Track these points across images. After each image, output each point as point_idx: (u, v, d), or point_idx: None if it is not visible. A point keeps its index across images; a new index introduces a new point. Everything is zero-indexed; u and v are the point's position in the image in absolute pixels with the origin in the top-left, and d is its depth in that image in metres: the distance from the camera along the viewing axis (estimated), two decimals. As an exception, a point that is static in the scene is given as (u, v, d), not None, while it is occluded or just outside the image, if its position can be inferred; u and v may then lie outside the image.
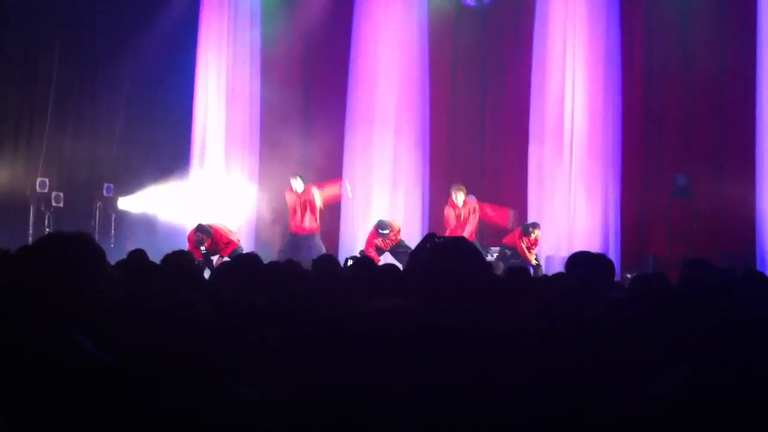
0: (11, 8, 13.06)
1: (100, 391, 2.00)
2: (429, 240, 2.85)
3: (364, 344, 2.01)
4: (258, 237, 13.71)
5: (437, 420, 1.94)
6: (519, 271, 5.27)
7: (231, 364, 2.41)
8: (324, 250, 11.04)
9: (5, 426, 1.85)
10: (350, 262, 8.44)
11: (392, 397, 1.95)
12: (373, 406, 1.93)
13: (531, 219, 12.53)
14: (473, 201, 12.10)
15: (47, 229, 12.85)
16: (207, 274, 8.19)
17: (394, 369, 1.98)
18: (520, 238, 11.65)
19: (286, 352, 2.70)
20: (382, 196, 12.65)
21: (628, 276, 9.53)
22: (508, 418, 2.03)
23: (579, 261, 4.45)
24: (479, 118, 14.11)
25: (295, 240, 12.17)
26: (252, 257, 5.15)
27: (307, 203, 12.20)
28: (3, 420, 1.86)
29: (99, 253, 2.38)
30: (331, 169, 13.56)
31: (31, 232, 12.82)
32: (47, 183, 13.04)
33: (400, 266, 6.27)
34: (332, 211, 13.37)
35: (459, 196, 11.95)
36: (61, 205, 13.18)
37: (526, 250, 11.50)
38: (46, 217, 12.99)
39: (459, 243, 2.99)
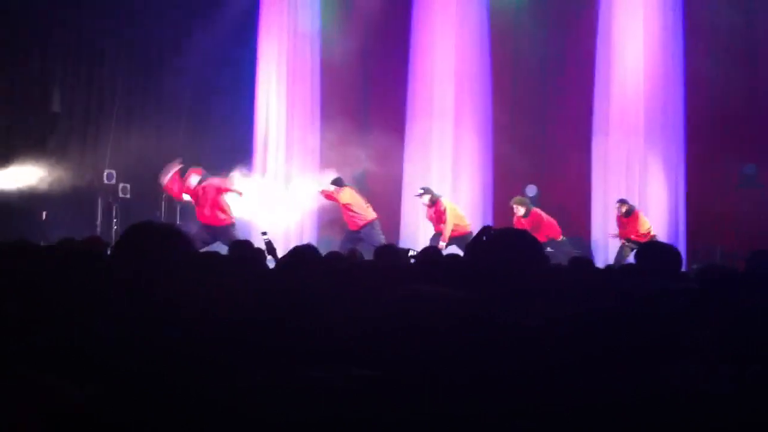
0: (78, 13, 13.37)
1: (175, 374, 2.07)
2: (485, 232, 2.81)
3: (410, 331, 2.01)
4: (320, 233, 13.77)
5: (486, 409, 1.93)
6: (583, 262, 5.19)
7: (297, 349, 2.45)
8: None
9: (96, 396, 1.90)
10: (412, 253, 8.40)
11: (435, 385, 1.95)
12: (419, 393, 1.94)
13: (595, 212, 12.31)
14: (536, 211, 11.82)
15: (115, 220, 13.15)
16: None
17: (441, 358, 1.98)
18: (628, 223, 11.41)
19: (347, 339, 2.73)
20: (443, 190, 12.56)
21: (694, 267, 9.31)
22: (557, 408, 2.00)
23: (648, 252, 4.40)
24: (541, 110, 13.91)
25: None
26: (311, 248, 5.19)
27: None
28: (93, 390, 1.91)
29: (189, 244, 2.48)
30: (390, 165, 13.54)
31: (99, 222, 13.13)
32: (114, 175, 13.32)
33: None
34: (392, 205, 13.37)
35: (519, 209, 11.74)
36: (128, 196, 13.46)
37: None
38: (114, 207, 13.28)
39: (514, 234, 2.94)
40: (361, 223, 11.62)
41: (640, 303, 2.80)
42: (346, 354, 2.38)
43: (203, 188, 11.29)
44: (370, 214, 11.71)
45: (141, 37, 14.05)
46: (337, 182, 11.93)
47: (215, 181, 11.45)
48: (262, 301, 2.60)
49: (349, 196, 11.77)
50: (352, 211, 11.69)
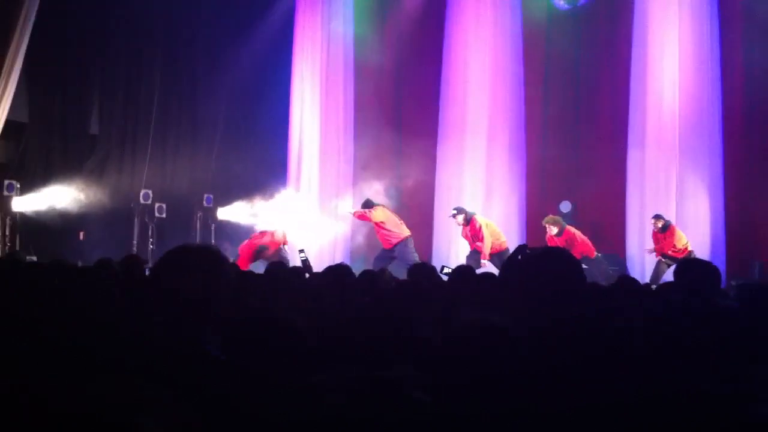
0: (117, 30, 13.59)
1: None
2: (521, 251, 2.80)
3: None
4: (352, 249, 13.80)
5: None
6: (627, 280, 5.13)
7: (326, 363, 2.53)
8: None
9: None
10: (446, 270, 8.37)
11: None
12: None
13: (630, 228, 12.18)
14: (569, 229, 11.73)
15: (151, 239, 13.28)
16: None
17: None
18: (665, 238, 11.33)
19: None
20: (476, 205, 12.51)
21: (733, 283, 9.16)
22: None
23: (687, 269, 4.37)
24: (575, 125, 13.84)
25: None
26: (344, 267, 5.26)
27: None
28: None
29: (226, 264, 2.56)
30: (423, 178, 13.54)
31: (135, 242, 13.28)
32: (150, 194, 13.48)
33: None
34: (425, 221, 13.36)
35: (552, 229, 11.61)
36: (164, 215, 13.60)
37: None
38: (150, 227, 13.42)
39: (553, 253, 2.91)
40: (395, 241, 11.60)
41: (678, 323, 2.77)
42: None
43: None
44: (404, 231, 11.69)
45: (177, 57, 14.25)
46: (368, 204, 11.94)
47: None
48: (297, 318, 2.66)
49: (381, 214, 11.77)
50: (385, 229, 11.68)
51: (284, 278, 5.67)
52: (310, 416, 2.06)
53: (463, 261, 10.91)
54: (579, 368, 2.12)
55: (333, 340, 2.84)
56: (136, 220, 13.44)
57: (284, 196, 13.63)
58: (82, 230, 12.97)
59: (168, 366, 2.11)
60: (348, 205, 13.00)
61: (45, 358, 2.42)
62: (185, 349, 2.24)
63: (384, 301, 3.97)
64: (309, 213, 13.48)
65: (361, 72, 14.33)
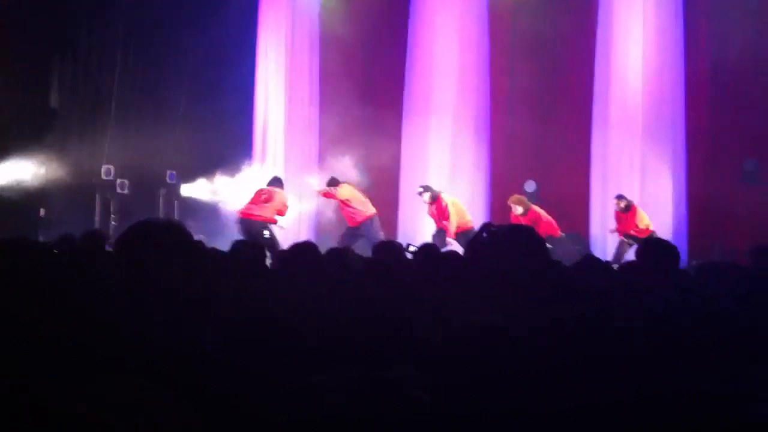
0: (76, 10, 13.33)
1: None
2: (485, 229, 2.79)
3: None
4: (318, 226, 13.76)
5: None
6: (591, 259, 5.17)
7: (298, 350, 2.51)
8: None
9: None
10: (411, 248, 8.37)
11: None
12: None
13: (594, 208, 12.28)
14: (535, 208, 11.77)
15: (112, 215, 13.12)
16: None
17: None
18: (627, 218, 11.41)
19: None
20: (441, 184, 12.53)
21: (694, 263, 9.30)
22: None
23: (647, 248, 4.43)
24: (540, 106, 13.87)
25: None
26: (310, 246, 5.12)
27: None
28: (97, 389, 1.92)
29: (191, 239, 2.49)
30: (389, 158, 13.52)
31: (97, 219, 13.11)
32: (112, 170, 13.29)
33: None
34: (390, 199, 13.35)
35: (516, 208, 11.64)
36: (126, 191, 13.43)
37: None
38: (112, 203, 13.25)
39: (518, 230, 2.92)
40: (360, 219, 11.58)
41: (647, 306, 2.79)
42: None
43: None
44: (369, 209, 11.67)
45: (140, 30, 14.01)
46: (333, 182, 11.90)
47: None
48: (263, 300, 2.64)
49: (347, 192, 11.74)
50: (350, 207, 11.65)
51: (253, 259, 5.50)
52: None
53: (428, 239, 10.93)
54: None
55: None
56: (97, 196, 13.26)
57: (249, 172, 13.54)
58: (42, 207, 12.77)
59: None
60: (314, 181, 12.94)
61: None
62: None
63: (352, 282, 3.95)
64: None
65: (327, 45, 14.24)
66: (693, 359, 2.44)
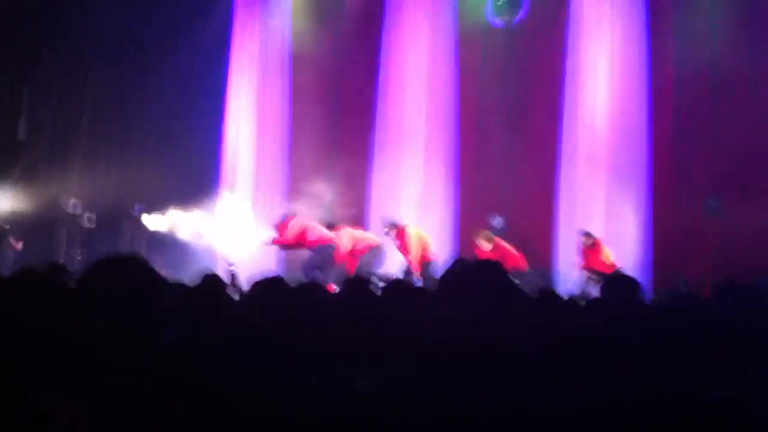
0: (48, 34, 13.31)
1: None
2: (458, 264, 2.84)
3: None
4: (288, 257, 13.71)
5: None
6: (551, 294, 5.20)
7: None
8: None
9: (78, 414, 1.91)
10: (375, 280, 8.38)
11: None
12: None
13: (561, 240, 12.39)
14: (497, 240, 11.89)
15: (79, 249, 12.99)
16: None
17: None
18: (591, 253, 11.49)
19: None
20: (410, 218, 12.58)
21: (657, 298, 9.41)
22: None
23: (611, 284, 4.50)
24: (508, 141, 13.98)
25: None
26: (278, 280, 5.07)
27: None
28: (77, 409, 1.92)
29: (153, 273, 2.49)
30: (358, 191, 13.58)
31: (63, 251, 12.96)
32: (79, 204, 13.18)
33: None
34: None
35: (483, 244, 11.76)
36: (93, 226, 13.31)
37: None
38: (78, 237, 13.12)
39: (487, 265, 2.97)
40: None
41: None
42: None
43: None
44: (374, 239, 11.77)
45: (110, 60, 14.00)
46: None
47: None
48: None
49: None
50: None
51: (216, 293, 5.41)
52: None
53: (399, 269, 11.05)
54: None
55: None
56: (64, 230, 13.13)
57: (218, 203, 13.50)
58: (14, 239, 12.58)
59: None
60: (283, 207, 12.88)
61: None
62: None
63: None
64: (244, 218, 13.34)
65: (297, 84, 14.33)
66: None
